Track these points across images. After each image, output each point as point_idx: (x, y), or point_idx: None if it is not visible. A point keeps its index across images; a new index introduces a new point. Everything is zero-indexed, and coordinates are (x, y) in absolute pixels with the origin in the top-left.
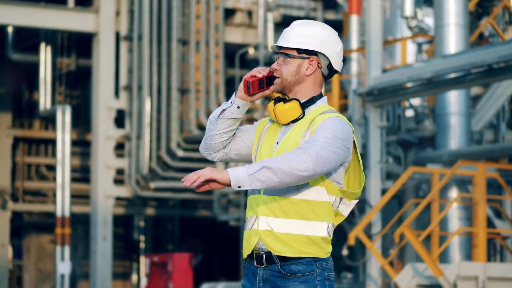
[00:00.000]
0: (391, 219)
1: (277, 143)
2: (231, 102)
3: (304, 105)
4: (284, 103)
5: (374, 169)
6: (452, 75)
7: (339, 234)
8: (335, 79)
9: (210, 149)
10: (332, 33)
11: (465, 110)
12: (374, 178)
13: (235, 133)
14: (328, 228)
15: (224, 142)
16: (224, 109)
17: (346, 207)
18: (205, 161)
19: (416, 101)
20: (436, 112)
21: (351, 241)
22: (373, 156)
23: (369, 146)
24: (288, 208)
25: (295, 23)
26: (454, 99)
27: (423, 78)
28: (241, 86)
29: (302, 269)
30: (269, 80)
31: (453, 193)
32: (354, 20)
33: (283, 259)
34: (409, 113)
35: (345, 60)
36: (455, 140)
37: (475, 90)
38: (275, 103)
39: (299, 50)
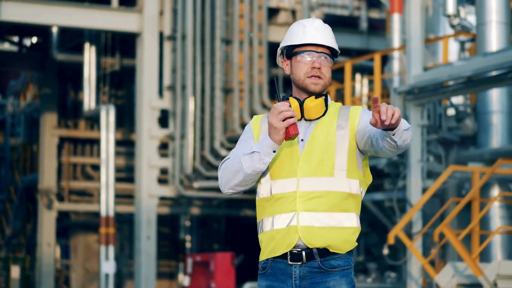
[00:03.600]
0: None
1: (302, 140)
2: (274, 152)
3: (326, 102)
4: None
5: (414, 167)
6: (493, 73)
7: (383, 233)
8: (377, 78)
9: (240, 190)
10: None
11: (507, 108)
12: (415, 176)
13: None
14: (358, 219)
15: None
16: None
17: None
18: None
19: (458, 100)
20: (478, 111)
21: (391, 240)
22: (413, 155)
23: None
24: (327, 202)
25: (318, 21)
26: (496, 97)
27: (463, 76)
28: (280, 136)
29: (341, 263)
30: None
31: (495, 191)
32: (396, 18)
33: (322, 254)
34: (451, 111)
35: (387, 58)
36: (497, 139)
37: None
38: (299, 101)
39: (336, 53)
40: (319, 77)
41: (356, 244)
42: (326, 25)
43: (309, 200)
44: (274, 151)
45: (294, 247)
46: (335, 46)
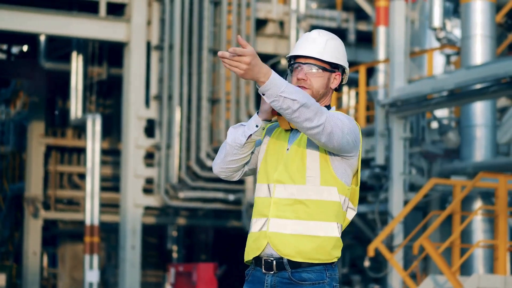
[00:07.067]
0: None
1: (288, 149)
2: (256, 126)
3: None
4: None
5: (396, 180)
6: (477, 87)
7: (368, 246)
8: (361, 90)
9: (231, 171)
10: None
11: (491, 122)
12: (397, 189)
13: None
14: (338, 229)
15: (246, 162)
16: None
17: (351, 212)
18: None
19: (443, 113)
20: (462, 124)
21: (371, 252)
22: (396, 168)
23: (392, 157)
24: (300, 210)
25: (317, 33)
26: (479, 111)
27: (446, 89)
28: (267, 108)
29: (313, 277)
30: None
31: (478, 205)
32: (381, 31)
33: (293, 265)
34: (434, 124)
35: (372, 71)
36: (480, 152)
37: (502, 102)
38: None
39: (332, 64)
40: (304, 87)
41: (335, 255)
42: (327, 36)
43: (282, 207)
44: (256, 126)
45: (267, 256)
46: (324, 57)
